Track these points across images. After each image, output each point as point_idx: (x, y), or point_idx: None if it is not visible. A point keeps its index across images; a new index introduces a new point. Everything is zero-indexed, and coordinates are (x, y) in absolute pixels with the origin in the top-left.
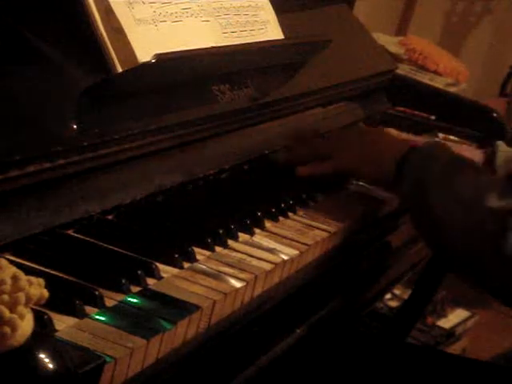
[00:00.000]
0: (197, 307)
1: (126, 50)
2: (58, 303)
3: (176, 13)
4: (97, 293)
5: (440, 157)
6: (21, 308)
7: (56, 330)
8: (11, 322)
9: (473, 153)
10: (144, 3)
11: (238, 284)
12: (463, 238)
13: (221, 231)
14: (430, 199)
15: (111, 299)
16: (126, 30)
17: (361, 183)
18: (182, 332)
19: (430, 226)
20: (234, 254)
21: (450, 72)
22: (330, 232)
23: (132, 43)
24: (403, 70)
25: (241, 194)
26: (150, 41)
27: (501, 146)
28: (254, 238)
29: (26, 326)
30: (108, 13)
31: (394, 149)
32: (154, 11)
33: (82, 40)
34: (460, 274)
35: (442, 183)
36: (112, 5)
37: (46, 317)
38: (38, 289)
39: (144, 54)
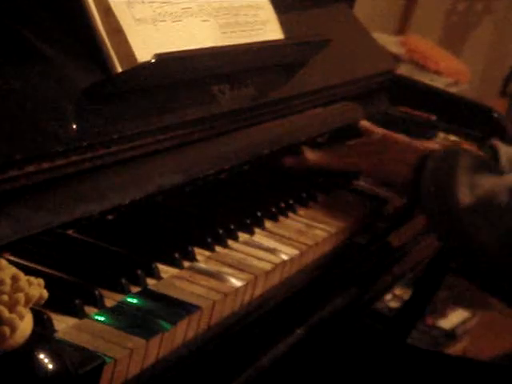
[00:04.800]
0: (197, 307)
1: (125, 49)
2: (57, 303)
3: (176, 12)
4: (96, 293)
5: (460, 158)
6: (20, 308)
7: (55, 331)
8: (11, 322)
9: None
10: (143, 3)
11: (238, 284)
12: (494, 245)
13: (221, 231)
14: (455, 204)
15: (111, 299)
16: (126, 30)
17: (361, 183)
18: (182, 332)
19: (454, 230)
20: (234, 253)
21: (450, 72)
22: (330, 232)
23: (131, 43)
24: (403, 69)
25: (241, 194)
26: (149, 41)
27: (500, 145)
28: (254, 238)
29: (25, 326)
30: (107, 12)
31: (411, 154)
32: (154, 11)
33: (82, 40)
34: (478, 281)
35: (465, 186)
36: (111, 4)
37: (45, 317)
38: (37, 289)
39: (143, 53)
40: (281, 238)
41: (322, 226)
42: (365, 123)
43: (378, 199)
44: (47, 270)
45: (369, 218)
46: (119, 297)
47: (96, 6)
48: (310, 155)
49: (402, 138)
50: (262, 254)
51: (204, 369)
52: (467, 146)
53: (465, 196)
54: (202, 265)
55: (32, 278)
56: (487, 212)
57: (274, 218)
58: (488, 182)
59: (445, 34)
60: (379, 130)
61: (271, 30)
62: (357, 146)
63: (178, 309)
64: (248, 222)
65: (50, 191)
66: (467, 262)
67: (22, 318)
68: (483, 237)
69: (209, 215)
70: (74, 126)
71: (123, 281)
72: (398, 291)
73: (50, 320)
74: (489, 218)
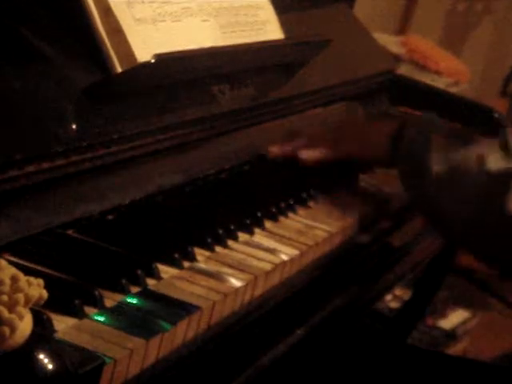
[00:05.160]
0: (197, 307)
1: (125, 49)
2: (57, 303)
3: (175, 12)
4: (96, 293)
5: (435, 127)
6: (20, 308)
7: (55, 331)
8: (10, 322)
9: None
10: (143, 3)
11: (238, 284)
12: (466, 205)
13: (221, 231)
14: (429, 172)
15: (111, 299)
16: (126, 30)
17: (362, 183)
18: (182, 332)
19: (430, 196)
20: (234, 254)
21: (450, 72)
22: (330, 232)
23: (131, 43)
24: (403, 70)
25: (241, 194)
26: (149, 41)
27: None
28: (254, 238)
29: (25, 326)
30: (107, 12)
31: (388, 125)
32: (154, 11)
33: (82, 40)
34: (463, 246)
35: (440, 153)
36: (111, 4)
37: (45, 317)
38: (37, 289)
39: (143, 53)
40: (281, 238)
41: (322, 226)
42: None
43: (377, 199)
44: (47, 271)
45: (369, 218)
46: (119, 297)
47: (96, 5)
48: (305, 155)
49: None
50: (261, 254)
51: (204, 369)
52: None
53: (437, 167)
54: (201, 265)
55: (32, 279)
56: (457, 181)
57: (274, 218)
58: (460, 152)
59: (445, 34)
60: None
61: (271, 30)
62: (337, 131)
63: (178, 309)
64: (248, 222)
65: (50, 191)
66: (440, 229)
67: (21, 318)
68: (451, 205)
69: (209, 215)
70: (74, 126)
71: (123, 281)
72: (398, 291)
73: (49, 320)
74: (459, 187)
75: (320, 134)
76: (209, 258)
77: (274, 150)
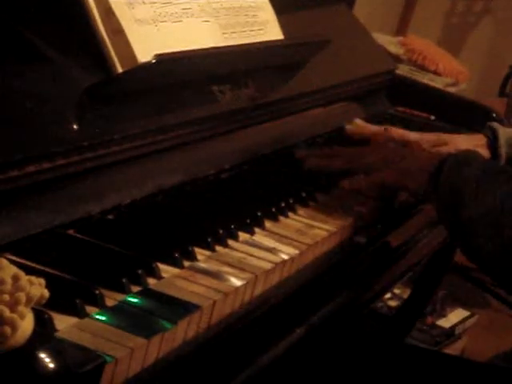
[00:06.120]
0: (197, 307)
1: (126, 50)
2: (58, 303)
3: (176, 13)
4: (97, 292)
5: (473, 163)
6: (21, 308)
7: (56, 330)
8: (11, 321)
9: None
10: (144, 3)
11: (238, 283)
12: (502, 250)
13: (221, 231)
14: (466, 210)
15: (112, 299)
16: (126, 31)
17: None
18: (183, 331)
19: (465, 236)
20: (234, 253)
21: (449, 72)
22: (330, 232)
23: (132, 43)
24: (403, 70)
25: (241, 194)
26: (150, 41)
27: (498, 127)
28: (254, 238)
29: (26, 325)
30: (108, 13)
31: (428, 160)
32: (155, 11)
33: (82, 40)
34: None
35: (477, 193)
36: (112, 5)
37: (46, 316)
38: (38, 289)
39: (144, 54)
40: (281, 238)
41: (321, 225)
42: (359, 122)
43: (378, 199)
44: (48, 270)
45: (369, 217)
46: (120, 296)
47: (97, 6)
48: (347, 185)
49: (406, 134)
50: (262, 253)
51: (204, 368)
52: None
53: (475, 204)
54: (202, 264)
55: (33, 278)
56: (495, 220)
57: (273, 218)
58: (498, 190)
59: (444, 34)
60: (374, 128)
61: (271, 31)
62: (372, 156)
63: (179, 308)
64: (248, 221)
65: (50, 191)
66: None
67: (22, 317)
68: (489, 246)
69: (209, 215)
70: (74, 126)
71: (124, 280)
72: (397, 290)
73: (50, 319)
74: (496, 226)
75: (358, 156)
76: (209, 257)
77: (312, 161)
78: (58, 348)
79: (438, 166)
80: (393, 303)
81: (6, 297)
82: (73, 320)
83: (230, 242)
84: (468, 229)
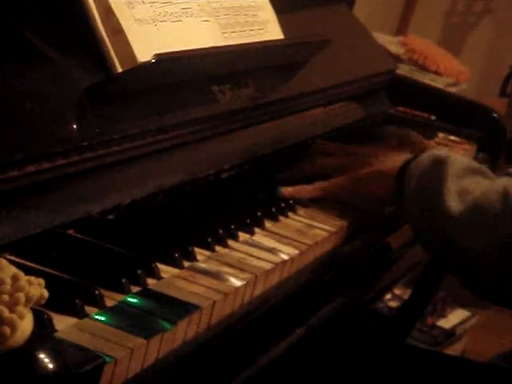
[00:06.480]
0: (197, 307)
1: (125, 49)
2: (58, 303)
3: (176, 13)
4: (97, 293)
5: (448, 165)
6: (21, 308)
7: (56, 330)
8: (11, 321)
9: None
10: (144, 3)
11: (238, 284)
12: (492, 254)
13: (221, 231)
14: (445, 209)
15: (111, 299)
16: (126, 30)
17: None
18: (182, 332)
19: (445, 241)
20: (234, 253)
21: (450, 72)
22: (330, 232)
23: (132, 43)
24: (403, 70)
25: (241, 194)
26: (149, 41)
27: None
28: (254, 238)
29: (25, 325)
30: (108, 13)
31: (391, 164)
32: (154, 11)
33: (82, 40)
34: (487, 283)
35: (455, 193)
36: (112, 5)
37: (45, 317)
38: (37, 289)
39: (144, 53)
40: (281, 238)
41: (321, 225)
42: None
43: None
44: (47, 270)
45: (369, 217)
46: (119, 296)
47: (96, 6)
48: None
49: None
50: (262, 253)
51: (204, 368)
52: (468, 146)
53: (454, 203)
54: (202, 264)
55: (32, 278)
56: (480, 220)
57: (274, 218)
58: (479, 188)
59: (444, 34)
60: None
61: (271, 30)
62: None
63: (179, 308)
64: (248, 221)
65: (50, 191)
66: (463, 272)
67: (22, 317)
68: (478, 247)
69: (209, 215)
70: (74, 126)
71: (123, 280)
72: (397, 291)
73: (50, 320)
74: (483, 226)
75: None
76: (209, 257)
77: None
78: (58, 348)
79: (403, 167)
80: (393, 304)
81: (6, 297)
82: (72, 320)
83: (230, 242)
84: (446, 228)
